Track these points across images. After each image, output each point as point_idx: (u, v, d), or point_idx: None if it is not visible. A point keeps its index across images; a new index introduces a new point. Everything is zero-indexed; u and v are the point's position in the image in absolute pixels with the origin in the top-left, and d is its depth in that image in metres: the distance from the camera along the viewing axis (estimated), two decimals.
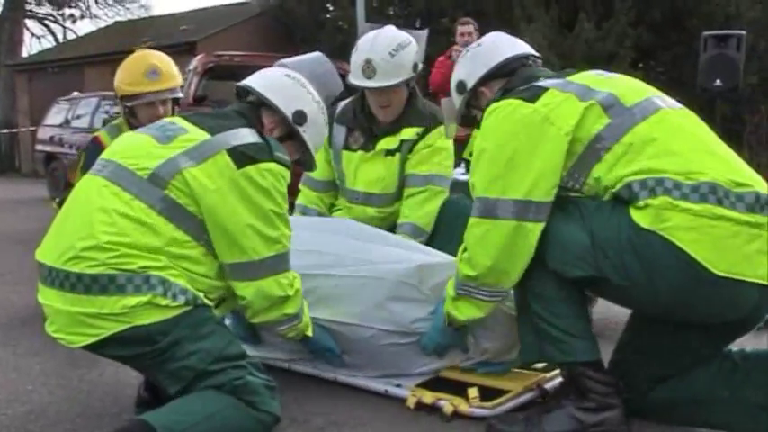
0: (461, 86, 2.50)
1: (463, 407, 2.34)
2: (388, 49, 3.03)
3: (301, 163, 2.52)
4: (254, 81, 2.43)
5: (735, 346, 2.17)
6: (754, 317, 2.02)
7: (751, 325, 2.07)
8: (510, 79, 2.35)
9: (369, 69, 3.04)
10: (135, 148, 2.23)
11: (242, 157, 2.17)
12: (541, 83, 2.19)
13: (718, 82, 6.70)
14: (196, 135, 2.21)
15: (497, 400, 2.36)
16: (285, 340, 2.48)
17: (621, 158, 2.02)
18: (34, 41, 32.66)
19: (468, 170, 4.15)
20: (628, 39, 13.53)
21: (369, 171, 3.23)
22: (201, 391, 2.06)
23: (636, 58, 14.32)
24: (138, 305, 2.00)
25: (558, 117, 2.07)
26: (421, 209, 3.15)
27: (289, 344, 2.61)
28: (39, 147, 12.67)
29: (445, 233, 3.03)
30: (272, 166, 2.19)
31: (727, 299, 1.92)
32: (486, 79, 2.42)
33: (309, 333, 2.44)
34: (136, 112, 3.58)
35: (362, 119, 3.23)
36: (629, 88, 2.16)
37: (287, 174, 2.24)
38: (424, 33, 3.26)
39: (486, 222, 2.12)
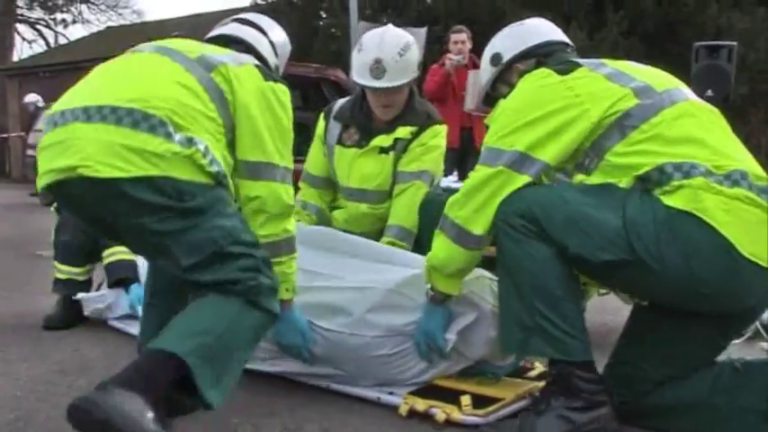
0: (496, 58, 2.51)
1: (456, 414, 2.33)
2: (397, 49, 3.02)
3: None
4: (242, 33, 2.60)
5: (734, 356, 2.19)
6: (756, 309, 2.11)
7: (750, 320, 2.15)
8: (546, 61, 2.37)
9: (378, 69, 3.02)
10: (180, 43, 2.34)
11: (266, 73, 2.34)
12: (575, 59, 2.27)
13: (709, 92, 6.72)
14: (224, 50, 2.38)
15: (490, 408, 2.34)
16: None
17: (648, 140, 2.06)
18: (25, 46, 32.56)
19: (461, 178, 4.16)
20: (620, 49, 13.59)
21: (362, 167, 3.24)
22: (205, 302, 2.01)
23: None
24: (179, 154, 2.01)
25: (589, 96, 2.12)
26: (407, 208, 3.16)
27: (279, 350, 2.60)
28: (29, 152, 12.59)
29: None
30: (285, 88, 2.36)
31: (747, 282, 1.97)
32: (524, 56, 2.45)
33: (290, 294, 2.37)
34: None
35: (360, 116, 3.23)
36: (660, 76, 2.24)
37: None
38: (423, 31, 3.27)
39: (484, 168, 2.19)
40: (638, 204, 1.99)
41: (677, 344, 2.14)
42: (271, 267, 2.18)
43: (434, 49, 8.95)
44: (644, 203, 1.99)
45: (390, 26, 3.25)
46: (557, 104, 2.13)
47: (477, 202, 2.19)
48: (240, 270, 2.05)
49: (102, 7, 30.41)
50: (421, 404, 2.40)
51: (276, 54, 2.68)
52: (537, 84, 2.21)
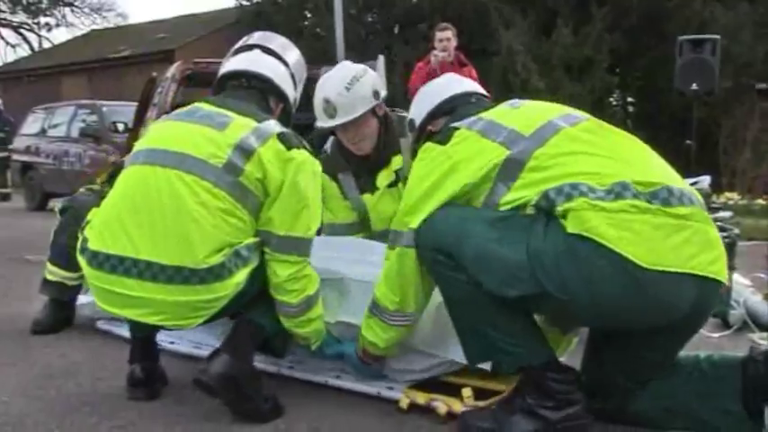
0: (411, 125, 2.65)
1: (457, 407, 2.34)
2: (342, 84, 2.98)
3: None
4: (262, 68, 2.66)
5: (704, 352, 2.18)
6: (697, 314, 2.01)
7: (696, 324, 2.07)
8: (450, 118, 2.40)
9: (329, 108, 2.99)
10: (192, 136, 2.38)
11: (287, 142, 2.41)
12: (456, 123, 2.27)
13: (694, 86, 6.77)
14: (246, 121, 2.42)
15: (491, 400, 2.35)
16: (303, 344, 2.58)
17: (530, 180, 2.04)
18: (9, 50, 32.34)
19: None
20: (605, 44, 13.67)
21: (382, 210, 3.20)
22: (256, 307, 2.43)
23: (613, 62, 14.46)
24: (244, 279, 2.29)
25: (466, 162, 2.14)
26: None
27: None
28: (14, 156, 12.55)
29: None
30: (306, 152, 2.45)
31: (663, 295, 1.89)
32: (432, 117, 2.53)
33: (318, 340, 2.57)
34: None
35: (355, 161, 3.21)
36: (529, 117, 2.20)
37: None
38: (380, 60, 3.22)
39: (389, 251, 2.30)
40: (540, 234, 1.97)
41: (630, 353, 2.13)
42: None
43: (420, 46, 8.96)
44: (547, 232, 1.96)
45: (341, 63, 3.22)
46: (436, 176, 2.18)
47: (395, 283, 2.27)
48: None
49: (86, 10, 30.29)
50: (422, 397, 2.41)
51: (294, 80, 2.79)
52: (421, 159, 2.27)
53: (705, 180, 3.36)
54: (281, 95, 2.68)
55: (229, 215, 2.30)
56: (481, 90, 2.59)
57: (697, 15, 13.75)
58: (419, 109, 2.60)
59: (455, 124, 2.26)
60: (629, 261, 1.84)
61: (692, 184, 3.27)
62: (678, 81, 6.86)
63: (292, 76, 2.77)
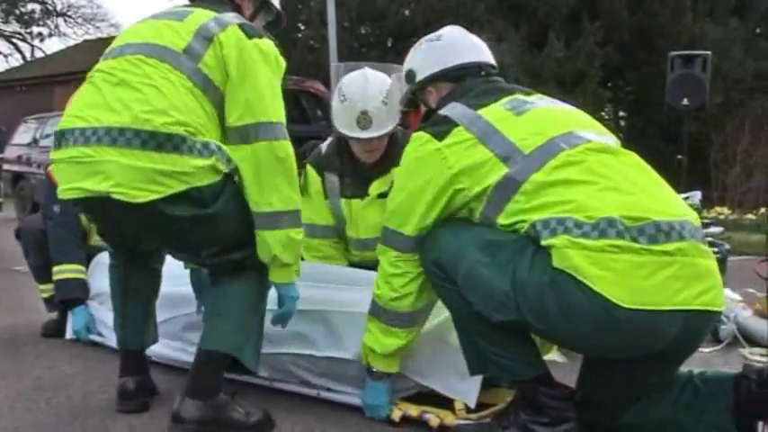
0: (410, 76, 2.50)
1: (449, 419, 2.33)
2: (381, 97, 2.97)
3: (273, 24, 2.70)
4: None
5: (698, 368, 2.17)
6: (687, 341, 1.99)
7: (687, 349, 2.05)
8: (456, 87, 2.37)
9: (365, 120, 2.97)
10: (155, 29, 2.35)
11: (249, 31, 2.34)
12: (453, 114, 2.22)
13: (685, 101, 6.80)
14: (207, 12, 2.37)
15: (483, 413, 2.35)
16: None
17: (523, 205, 2.02)
18: (1, 60, 32.32)
19: None
20: (596, 58, 13.74)
21: (368, 217, 3.15)
22: (225, 296, 2.34)
23: (605, 77, 14.53)
24: (202, 167, 2.18)
25: (461, 171, 2.12)
26: None
27: (273, 364, 2.64)
28: (6, 166, 12.51)
29: None
30: (269, 42, 2.38)
31: (646, 330, 1.89)
32: (436, 79, 2.44)
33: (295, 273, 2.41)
34: None
35: (350, 166, 3.17)
36: (531, 130, 2.13)
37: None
38: (400, 67, 3.17)
39: (381, 249, 2.30)
40: (527, 265, 1.97)
41: (622, 374, 2.11)
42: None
43: (397, 62, 8.98)
44: (533, 263, 1.95)
45: (368, 71, 3.18)
46: (433, 190, 2.16)
47: (393, 284, 2.27)
48: (244, 253, 2.32)
49: (79, 20, 30.28)
50: (414, 409, 2.40)
51: None
52: (415, 154, 2.23)
53: (696, 195, 3.38)
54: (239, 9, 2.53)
55: (193, 95, 2.23)
56: (491, 60, 2.49)
57: (688, 31, 13.85)
58: (423, 64, 2.47)
59: (453, 117, 2.20)
60: (608, 300, 1.83)
61: (684, 200, 3.30)
62: (669, 96, 6.90)
63: None
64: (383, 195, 3.09)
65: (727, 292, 3.70)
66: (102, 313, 3.41)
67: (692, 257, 1.90)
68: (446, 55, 2.44)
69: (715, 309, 1.93)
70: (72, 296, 3.51)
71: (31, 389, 2.81)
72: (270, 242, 2.28)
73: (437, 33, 2.52)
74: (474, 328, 2.10)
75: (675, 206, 2.01)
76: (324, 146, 3.25)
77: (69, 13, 29.90)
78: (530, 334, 2.13)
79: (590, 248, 1.86)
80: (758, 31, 16.25)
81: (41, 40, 30.14)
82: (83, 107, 2.26)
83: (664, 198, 2.03)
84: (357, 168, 3.15)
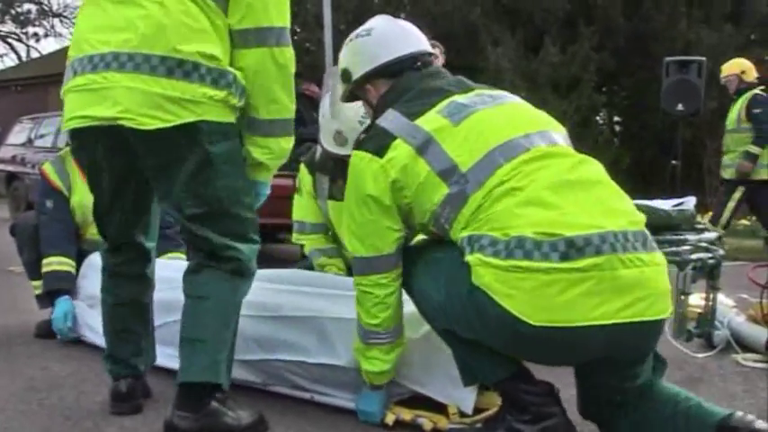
0: (346, 75, 2.46)
1: (443, 423, 2.34)
2: (356, 118, 3.01)
3: None
4: None
5: (686, 398, 2.07)
6: (628, 351, 1.97)
7: (636, 358, 2.02)
8: (394, 83, 2.34)
9: (341, 139, 3.05)
10: None
11: None
12: (391, 126, 2.19)
13: (680, 106, 6.83)
14: None
15: (476, 417, 2.35)
16: None
17: (463, 222, 2.04)
18: None
19: None
20: (592, 63, 13.75)
21: None
22: (202, 311, 2.22)
23: (600, 81, 14.55)
24: (213, 98, 2.11)
25: (397, 176, 2.13)
26: None
27: (266, 370, 2.65)
28: (0, 166, 12.47)
29: None
30: None
31: (561, 345, 1.91)
32: (371, 77, 2.40)
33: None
34: None
35: (342, 169, 3.20)
36: (469, 144, 2.09)
37: None
38: None
39: (356, 280, 2.29)
40: (456, 278, 2.00)
41: (590, 376, 2.11)
42: (256, 230, 2.32)
43: None
44: (459, 276, 1.98)
45: None
46: (380, 197, 2.17)
47: (365, 306, 2.28)
48: (230, 237, 2.24)
49: (75, 21, 30.23)
50: (407, 413, 2.40)
51: None
52: (360, 175, 2.22)
53: (690, 201, 3.38)
54: None
55: (200, 6, 2.13)
56: (427, 48, 2.42)
57: (683, 37, 13.86)
58: (358, 61, 2.41)
59: (391, 129, 2.17)
60: (516, 317, 1.85)
61: (678, 205, 3.31)
62: (664, 101, 6.91)
63: None
64: None
65: (721, 297, 3.71)
66: (92, 317, 3.36)
67: (612, 271, 1.85)
68: (378, 51, 2.38)
69: (648, 319, 1.89)
70: (58, 286, 3.51)
71: (23, 389, 2.81)
72: (261, 147, 2.28)
73: (366, 27, 2.45)
74: (447, 341, 2.16)
75: (602, 215, 1.93)
76: (319, 148, 3.30)
77: (65, 14, 29.86)
78: None
79: (498, 267, 1.88)
80: (753, 37, 16.27)
81: (37, 41, 30.14)
82: (88, 31, 2.20)
83: (590, 207, 1.96)
84: (346, 169, 3.18)
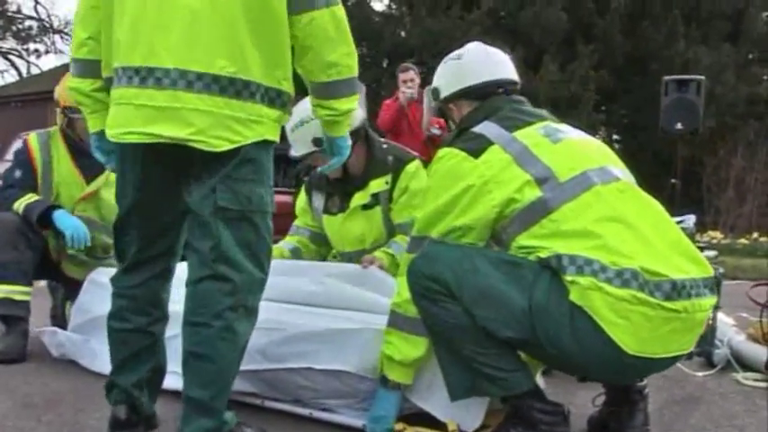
0: (435, 93, 2.58)
1: None
2: (293, 122, 3.10)
3: None
4: None
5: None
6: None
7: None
8: (481, 105, 2.42)
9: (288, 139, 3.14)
10: None
11: None
12: (489, 133, 2.25)
13: (679, 125, 6.82)
14: None
15: None
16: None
17: (548, 234, 2.08)
18: None
19: None
20: (591, 81, 13.82)
21: (350, 230, 3.29)
22: (211, 349, 2.04)
23: (599, 100, 14.62)
24: (270, 117, 2.08)
25: (496, 185, 2.17)
26: None
27: (266, 379, 2.63)
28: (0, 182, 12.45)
29: None
30: None
31: (640, 370, 2.16)
32: (456, 98, 2.51)
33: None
34: (74, 125, 3.63)
35: (337, 183, 3.30)
36: (567, 160, 2.20)
37: None
38: (362, 89, 3.19)
39: (404, 258, 2.33)
40: (545, 290, 2.04)
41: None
42: (268, 259, 2.17)
43: (390, 84, 9.02)
44: (551, 290, 2.03)
45: (304, 101, 3.26)
46: (468, 189, 2.19)
47: (401, 284, 2.29)
48: (240, 246, 2.07)
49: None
50: (408, 430, 2.39)
51: None
52: (450, 169, 2.25)
53: (690, 219, 3.39)
54: None
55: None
56: (514, 77, 2.54)
57: (681, 56, 13.95)
58: (448, 82, 2.54)
59: (489, 136, 2.25)
60: (617, 346, 1.97)
61: (678, 223, 3.31)
62: (663, 120, 6.93)
63: None
64: (366, 207, 3.18)
65: (721, 316, 3.71)
66: (93, 347, 3.26)
67: (693, 314, 2.03)
68: (464, 75, 2.50)
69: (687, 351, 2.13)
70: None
71: (20, 406, 2.79)
72: (325, 108, 2.21)
73: (459, 52, 2.59)
74: (470, 345, 2.12)
75: (688, 261, 2.10)
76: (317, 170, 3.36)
77: (66, 30, 29.92)
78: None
79: (612, 295, 1.95)
80: (751, 56, 16.38)
81: (38, 57, 30.25)
82: (142, 33, 2.03)
83: (682, 252, 2.12)
84: (338, 183, 3.29)
